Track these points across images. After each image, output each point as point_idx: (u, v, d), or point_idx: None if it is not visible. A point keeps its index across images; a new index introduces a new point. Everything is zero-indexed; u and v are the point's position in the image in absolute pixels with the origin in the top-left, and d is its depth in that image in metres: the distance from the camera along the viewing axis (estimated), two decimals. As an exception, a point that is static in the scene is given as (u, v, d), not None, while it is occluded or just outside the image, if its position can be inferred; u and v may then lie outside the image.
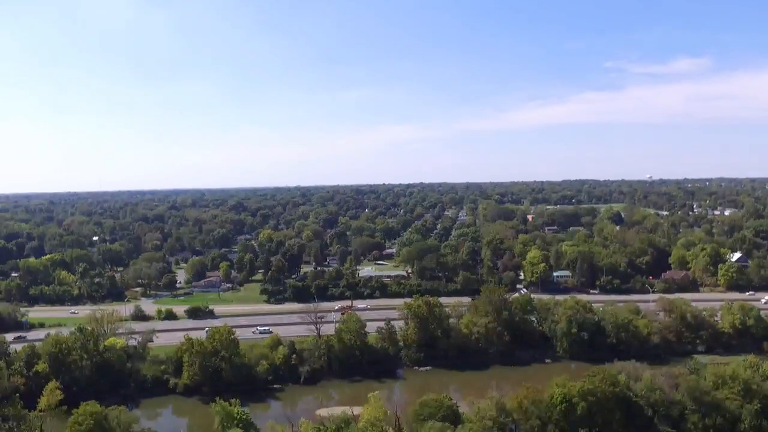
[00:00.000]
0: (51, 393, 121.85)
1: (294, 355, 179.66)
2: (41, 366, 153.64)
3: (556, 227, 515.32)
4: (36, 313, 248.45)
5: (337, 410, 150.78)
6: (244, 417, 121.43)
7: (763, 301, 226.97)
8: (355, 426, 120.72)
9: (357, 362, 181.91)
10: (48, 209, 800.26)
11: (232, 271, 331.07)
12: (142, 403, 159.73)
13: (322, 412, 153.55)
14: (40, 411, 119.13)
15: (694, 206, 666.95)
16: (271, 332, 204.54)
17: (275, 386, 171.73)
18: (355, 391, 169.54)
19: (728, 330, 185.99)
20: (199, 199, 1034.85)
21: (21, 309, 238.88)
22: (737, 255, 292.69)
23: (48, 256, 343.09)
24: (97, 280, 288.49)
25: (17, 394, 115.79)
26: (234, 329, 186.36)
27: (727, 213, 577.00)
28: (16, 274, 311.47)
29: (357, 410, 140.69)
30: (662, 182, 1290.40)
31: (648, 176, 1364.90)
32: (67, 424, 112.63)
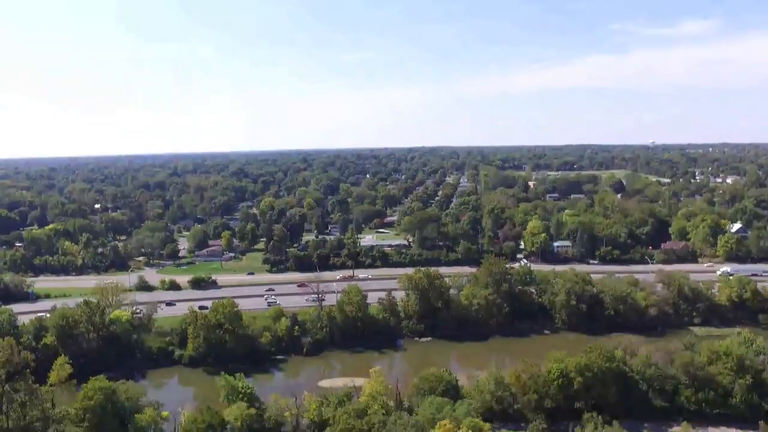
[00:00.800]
0: (60, 368, 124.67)
1: (296, 327, 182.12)
2: (49, 339, 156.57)
3: (557, 194, 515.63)
4: (41, 283, 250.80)
5: (339, 381, 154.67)
6: (249, 390, 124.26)
7: (719, 272, 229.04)
8: (356, 399, 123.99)
9: (358, 333, 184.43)
10: (49, 176, 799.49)
11: (234, 240, 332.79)
12: (148, 374, 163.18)
13: (325, 383, 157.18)
14: (51, 385, 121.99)
15: (696, 174, 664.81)
16: (324, 299, 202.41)
17: (278, 357, 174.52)
18: (356, 362, 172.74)
19: (725, 303, 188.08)
20: (200, 164, 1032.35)
21: (27, 280, 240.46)
22: (737, 226, 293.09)
23: (51, 225, 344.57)
24: (100, 250, 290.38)
25: (28, 370, 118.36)
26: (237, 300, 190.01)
27: (729, 180, 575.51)
28: (20, 244, 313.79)
29: (359, 381, 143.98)
30: (665, 148, 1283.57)
31: (651, 141, 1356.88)
32: (77, 399, 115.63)
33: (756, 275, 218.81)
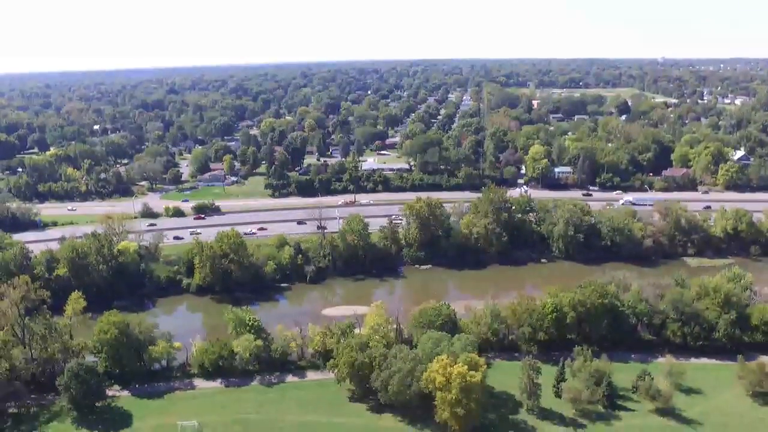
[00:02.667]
0: (75, 302, 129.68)
1: (300, 255, 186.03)
2: (61, 270, 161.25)
3: (561, 115, 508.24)
4: (47, 210, 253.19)
5: (342, 309, 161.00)
6: (256, 323, 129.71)
7: (621, 202, 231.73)
8: (359, 329, 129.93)
9: (360, 261, 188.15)
10: (44, 94, 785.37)
11: (236, 163, 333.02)
12: (158, 302, 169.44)
13: (328, 311, 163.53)
14: (69, 319, 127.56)
15: (705, 93, 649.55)
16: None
17: (283, 285, 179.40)
18: (358, 289, 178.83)
19: (720, 234, 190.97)
20: (198, 80, 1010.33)
21: (34, 208, 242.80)
22: (740, 153, 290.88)
23: (52, 151, 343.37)
24: (102, 176, 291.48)
25: (45, 305, 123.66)
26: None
27: (738, 102, 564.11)
28: (21, 170, 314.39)
29: (360, 309, 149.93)
30: (675, 63, 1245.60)
31: (661, 57, 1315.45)
32: (94, 332, 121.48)
33: (652, 205, 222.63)
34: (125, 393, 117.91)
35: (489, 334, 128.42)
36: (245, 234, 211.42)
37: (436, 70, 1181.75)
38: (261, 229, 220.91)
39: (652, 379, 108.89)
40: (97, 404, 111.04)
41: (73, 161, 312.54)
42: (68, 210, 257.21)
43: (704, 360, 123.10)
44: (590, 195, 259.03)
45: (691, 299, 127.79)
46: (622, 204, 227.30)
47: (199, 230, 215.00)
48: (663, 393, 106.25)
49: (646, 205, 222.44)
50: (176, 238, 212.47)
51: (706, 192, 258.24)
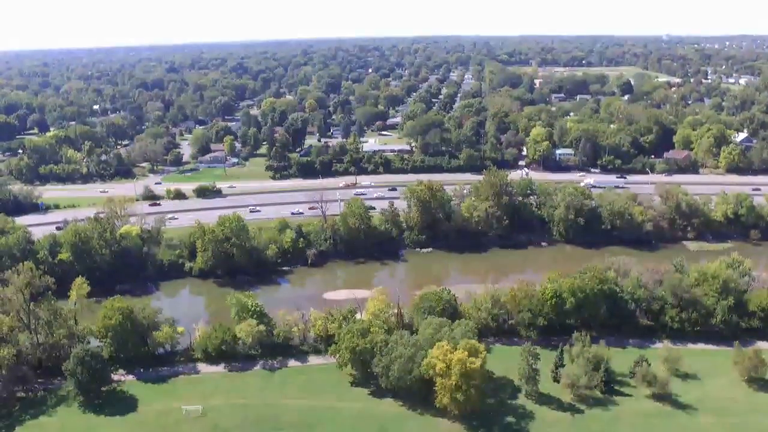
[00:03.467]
0: (79, 287, 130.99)
1: (301, 239, 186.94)
2: (64, 255, 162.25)
3: (563, 95, 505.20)
4: (48, 193, 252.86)
5: (343, 293, 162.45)
6: (258, 308, 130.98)
7: (583, 183, 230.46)
8: (360, 314, 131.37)
9: (361, 244, 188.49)
10: (43, 72, 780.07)
11: (237, 144, 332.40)
12: (161, 286, 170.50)
13: (329, 294, 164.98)
14: (74, 304, 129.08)
15: (709, 73, 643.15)
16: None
17: (284, 268, 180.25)
18: (359, 273, 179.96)
19: (720, 219, 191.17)
20: (198, 58, 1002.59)
21: (36, 191, 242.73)
22: (742, 135, 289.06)
23: (52, 132, 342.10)
24: (103, 157, 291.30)
25: (50, 291, 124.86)
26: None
27: (742, 82, 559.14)
28: (22, 152, 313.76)
29: (361, 293, 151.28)
30: (679, 41, 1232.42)
31: (665, 34, 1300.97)
32: (98, 317, 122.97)
33: (618, 187, 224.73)
34: (130, 377, 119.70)
35: (489, 319, 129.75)
36: (293, 213, 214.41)
37: (437, 47, 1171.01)
38: (312, 208, 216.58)
39: (650, 364, 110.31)
40: (102, 389, 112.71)
41: (73, 143, 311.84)
42: (100, 192, 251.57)
43: (701, 345, 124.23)
44: (624, 178, 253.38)
45: (689, 285, 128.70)
46: (583, 186, 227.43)
47: (258, 208, 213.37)
48: (660, 378, 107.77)
49: (606, 187, 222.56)
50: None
51: (669, 174, 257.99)
